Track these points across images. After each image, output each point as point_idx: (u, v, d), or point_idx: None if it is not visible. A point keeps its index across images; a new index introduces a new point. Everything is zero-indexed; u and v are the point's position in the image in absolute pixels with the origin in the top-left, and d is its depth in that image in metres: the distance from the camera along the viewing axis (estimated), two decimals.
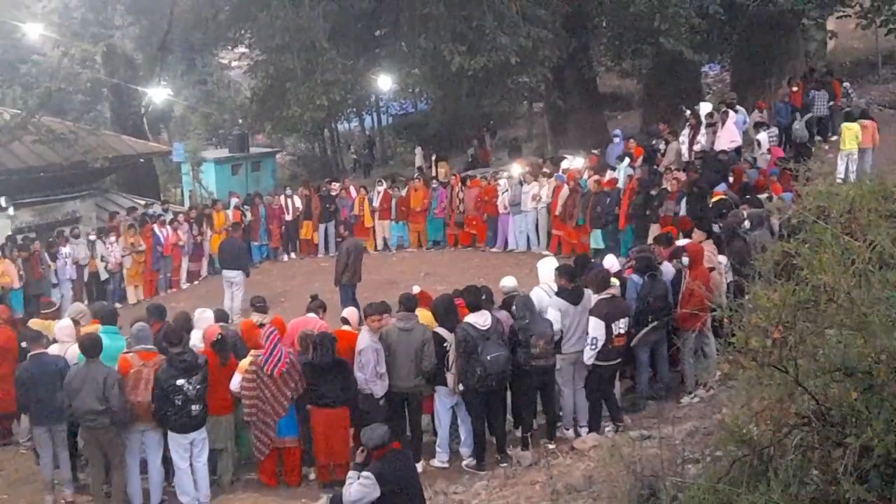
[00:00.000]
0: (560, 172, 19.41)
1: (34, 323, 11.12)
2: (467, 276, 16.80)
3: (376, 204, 21.34)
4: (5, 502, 9.85)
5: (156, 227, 18.95)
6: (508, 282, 10.90)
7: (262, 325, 9.94)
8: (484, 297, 9.82)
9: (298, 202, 21.32)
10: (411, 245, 21.08)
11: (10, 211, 20.47)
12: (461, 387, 9.41)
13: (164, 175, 33.94)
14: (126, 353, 9.40)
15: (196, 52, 33.30)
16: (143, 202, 24.23)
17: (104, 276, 18.47)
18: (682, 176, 16.07)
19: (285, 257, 21.36)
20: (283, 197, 21.61)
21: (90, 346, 9.02)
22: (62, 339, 10.02)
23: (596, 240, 17.49)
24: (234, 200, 21.51)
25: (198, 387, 8.96)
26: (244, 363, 9.58)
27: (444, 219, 21.03)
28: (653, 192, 16.40)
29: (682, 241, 11.62)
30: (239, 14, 26.17)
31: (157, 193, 29.97)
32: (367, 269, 16.51)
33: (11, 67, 30.74)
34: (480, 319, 9.42)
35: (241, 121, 29.68)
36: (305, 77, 22.05)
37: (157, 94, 29.82)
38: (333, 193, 21.53)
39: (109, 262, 18.34)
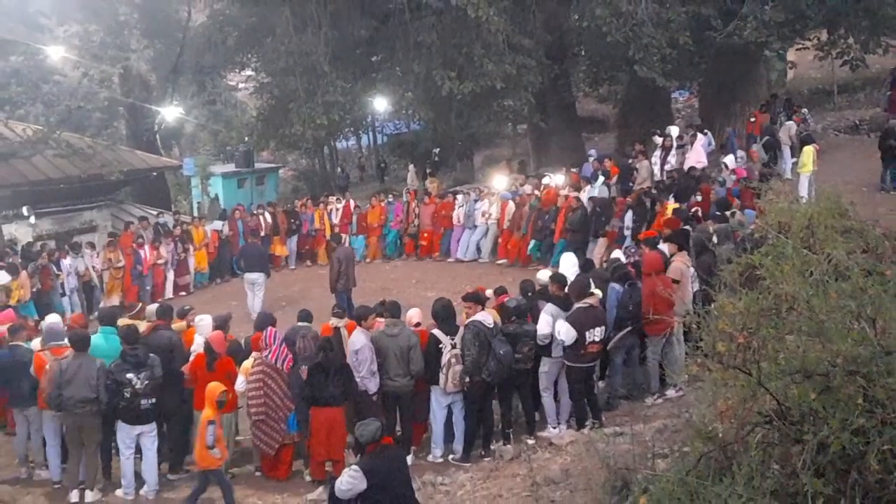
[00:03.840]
0: (504, 191, 20.04)
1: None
2: (456, 282, 16.82)
3: (336, 220, 21.28)
4: None
5: (136, 247, 18.48)
6: (543, 275, 10.98)
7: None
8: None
9: (269, 218, 20.90)
10: (367, 258, 20.81)
11: (32, 219, 20.42)
12: (467, 379, 9.39)
13: (174, 187, 33.85)
14: (39, 350, 9.68)
15: (206, 75, 33.20)
16: (155, 212, 24.14)
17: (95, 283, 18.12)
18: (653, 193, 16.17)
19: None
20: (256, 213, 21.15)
21: (79, 341, 9.34)
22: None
23: (532, 249, 18.25)
24: (211, 225, 21.02)
25: (146, 382, 9.11)
26: (247, 364, 9.57)
27: (400, 231, 21.09)
28: (598, 209, 16.82)
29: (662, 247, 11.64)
30: (246, 39, 26.23)
31: (168, 205, 29.87)
32: (361, 276, 16.47)
33: (34, 87, 30.61)
34: (486, 318, 9.49)
35: (247, 138, 29.63)
36: (307, 98, 22.04)
37: (170, 113, 29.78)
38: (331, 207, 21.49)
39: (95, 273, 18.01)
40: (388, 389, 9.58)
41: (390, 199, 21.69)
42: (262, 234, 20.39)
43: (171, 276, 19.04)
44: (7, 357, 9.98)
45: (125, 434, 9.26)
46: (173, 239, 19.29)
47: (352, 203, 21.88)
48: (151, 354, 9.38)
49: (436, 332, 9.58)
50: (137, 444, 9.39)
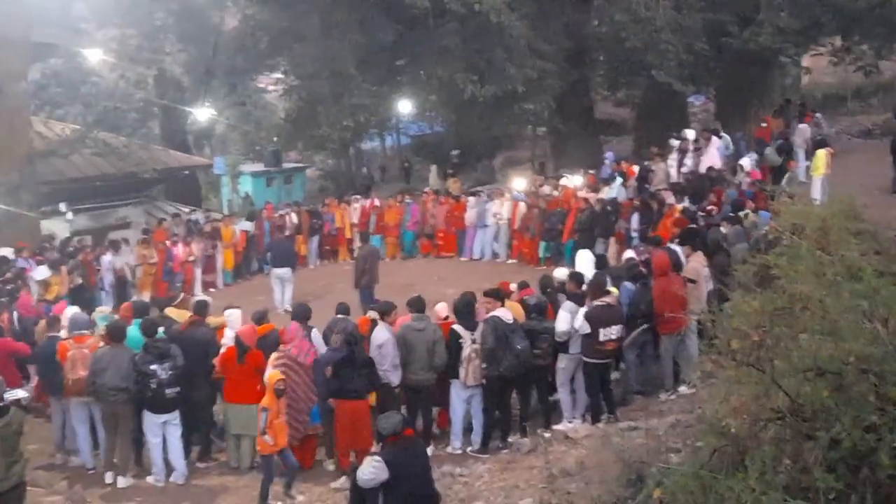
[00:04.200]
0: (518, 192, 20.07)
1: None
2: (476, 280, 16.69)
3: (355, 219, 21.32)
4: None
5: (169, 244, 18.34)
6: (561, 273, 11.03)
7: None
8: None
9: (295, 218, 20.75)
10: (386, 256, 20.43)
11: (69, 215, 20.57)
12: (485, 366, 9.39)
13: (206, 186, 34.03)
14: (63, 339, 9.83)
15: (237, 77, 33.49)
16: (187, 210, 24.27)
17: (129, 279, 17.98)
18: (670, 195, 16.04)
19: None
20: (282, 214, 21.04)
21: (116, 333, 9.59)
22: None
23: (541, 250, 18.26)
24: (240, 224, 20.87)
25: (170, 372, 9.20)
26: (274, 357, 9.60)
27: (416, 231, 21.09)
28: (608, 208, 16.79)
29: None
30: (276, 44, 26.34)
31: (199, 202, 30.04)
32: (383, 273, 16.45)
33: (73, 88, 31.06)
34: (505, 314, 9.49)
35: (275, 139, 29.75)
36: (334, 101, 22.10)
37: (202, 114, 30.04)
38: (356, 206, 21.49)
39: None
40: (411, 383, 9.59)
41: (408, 200, 21.67)
42: (287, 233, 20.27)
43: (198, 273, 18.92)
44: (46, 348, 10.15)
45: (151, 422, 9.36)
46: (203, 236, 19.29)
47: (377, 202, 21.88)
48: (172, 345, 9.48)
49: (456, 327, 9.58)
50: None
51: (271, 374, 8.75)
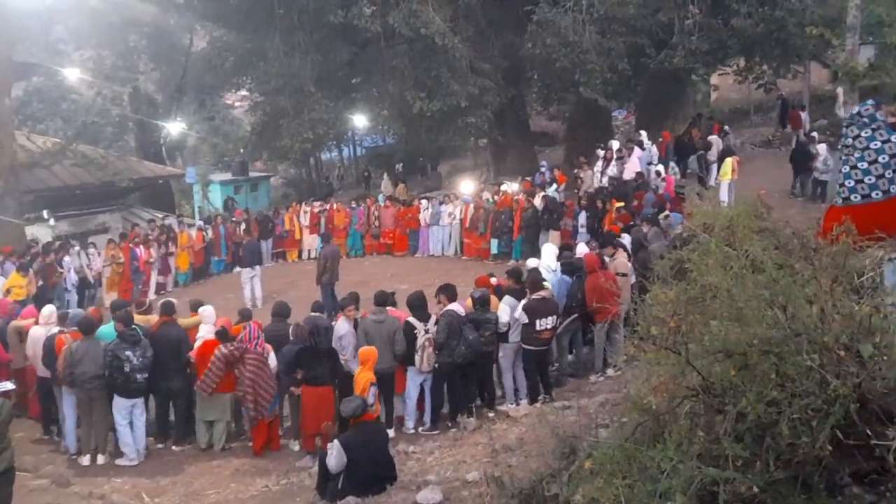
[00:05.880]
0: (466, 195, 20.44)
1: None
2: (425, 276, 16.77)
3: (306, 222, 21.28)
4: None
5: (132, 246, 17.90)
6: (532, 262, 11.18)
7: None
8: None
9: (244, 224, 20.19)
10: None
11: (51, 222, 20.19)
12: (436, 363, 9.39)
13: (178, 193, 33.48)
14: (59, 334, 9.68)
15: (206, 94, 33.01)
16: (161, 215, 23.85)
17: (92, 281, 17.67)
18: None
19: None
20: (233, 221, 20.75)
21: (87, 326, 9.44)
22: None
23: (493, 246, 18.48)
24: (198, 223, 20.70)
25: (141, 358, 9.14)
26: (232, 349, 9.48)
27: (362, 232, 21.12)
28: (549, 207, 17.22)
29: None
30: (242, 63, 26.09)
31: (172, 208, 29.54)
32: (343, 271, 16.36)
33: (54, 104, 30.32)
34: (459, 308, 9.53)
35: (242, 150, 29.39)
36: (295, 115, 21.91)
37: (174, 128, 29.59)
38: (316, 211, 21.31)
39: (92, 269, 17.59)
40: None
41: (353, 205, 21.63)
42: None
43: (154, 275, 18.45)
44: (47, 342, 9.92)
45: (121, 406, 9.25)
46: (157, 241, 18.81)
47: (335, 206, 21.76)
48: (143, 337, 9.36)
49: (411, 319, 9.56)
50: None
51: (368, 350, 8.48)
